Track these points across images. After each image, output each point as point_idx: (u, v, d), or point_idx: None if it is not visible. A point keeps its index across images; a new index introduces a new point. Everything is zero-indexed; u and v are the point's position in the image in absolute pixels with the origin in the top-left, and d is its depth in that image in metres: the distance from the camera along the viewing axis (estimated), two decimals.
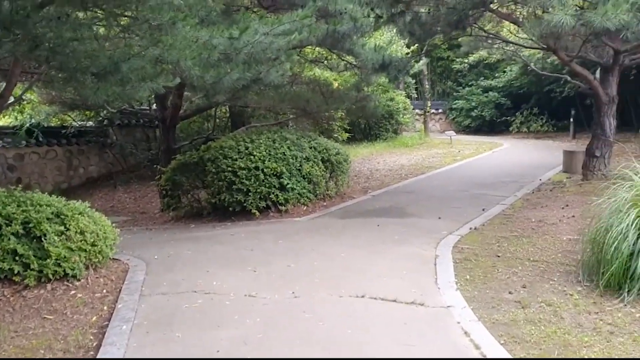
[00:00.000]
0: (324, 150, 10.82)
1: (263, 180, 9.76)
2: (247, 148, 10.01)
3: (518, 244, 7.50)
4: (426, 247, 7.52)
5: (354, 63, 12.97)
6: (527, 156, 16.94)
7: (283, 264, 6.89)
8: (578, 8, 7.13)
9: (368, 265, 6.72)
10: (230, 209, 9.94)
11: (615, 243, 5.49)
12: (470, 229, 8.44)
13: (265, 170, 9.77)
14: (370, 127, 22.52)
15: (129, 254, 7.64)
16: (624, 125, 21.78)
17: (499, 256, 7.01)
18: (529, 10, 8.54)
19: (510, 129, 25.21)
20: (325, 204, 10.70)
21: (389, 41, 15.10)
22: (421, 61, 14.13)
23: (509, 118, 25.55)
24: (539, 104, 24.67)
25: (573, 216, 8.74)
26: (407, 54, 14.91)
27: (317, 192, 10.55)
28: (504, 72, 26.23)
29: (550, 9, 7.16)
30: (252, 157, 9.85)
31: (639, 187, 5.94)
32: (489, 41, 12.28)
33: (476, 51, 16.37)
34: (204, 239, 8.59)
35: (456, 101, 27.63)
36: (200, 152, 10.42)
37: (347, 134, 18.29)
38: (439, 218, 9.21)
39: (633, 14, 6.84)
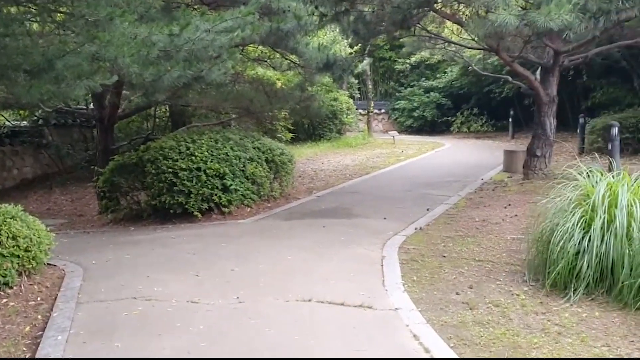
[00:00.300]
0: (268, 151, 10.64)
1: (205, 182, 9.50)
2: (188, 148, 9.73)
3: (463, 243, 7.51)
4: (373, 248, 7.44)
5: (298, 62, 12.84)
6: (468, 156, 17.20)
7: (227, 267, 6.67)
8: (521, 9, 7.19)
9: (315, 268, 6.59)
10: (172, 211, 9.64)
11: (561, 242, 5.53)
12: (416, 229, 8.42)
13: (207, 171, 9.51)
14: (314, 127, 22.45)
15: (65, 259, 7.28)
16: (561, 125, 22.38)
17: (444, 256, 6.99)
18: (472, 11, 8.59)
19: (452, 129, 25.62)
20: (269, 205, 10.52)
21: (332, 41, 15.00)
22: (365, 61, 14.12)
23: (450, 118, 25.97)
24: (478, 104, 25.16)
25: (516, 215, 8.85)
26: (350, 53, 14.87)
27: (261, 193, 10.36)
28: (445, 72, 26.64)
29: (493, 9, 7.19)
30: (193, 157, 9.57)
31: (583, 187, 5.97)
32: (432, 41, 12.35)
33: (419, 52, 16.53)
34: (145, 242, 8.27)
35: (398, 101, 27.88)
36: (140, 153, 10.06)
37: (291, 134, 18.13)
38: (385, 218, 9.16)
39: (575, 15, 6.95)
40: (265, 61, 13.21)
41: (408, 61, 27.45)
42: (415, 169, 14.61)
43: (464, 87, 25.14)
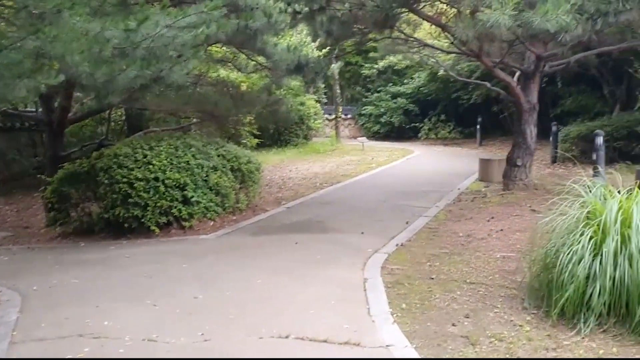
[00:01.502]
0: (234, 159, 9.84)
1: (164, 193, 8.66)
2: (145, 156, 8.87)
3: (450, 262, 6.86)
4: (353, 268, 6.73)
5: (265, 64, 12.07)
6: (440, 163, 16.65)
7: (189, 294, 5.86)
8: (515, 8, 6.60)
9: (291, 294, 5.83)
10: (126, 225, 8.77)
11: (570, 266, 4.89)
12: (397, 245, 7.74)
13: (166, 181, 8.67)
14: (280, 132, 21.63)
15: (2, 283, 6.39)
16: None
17: (433, 278, 6.32)
18: (462, 10, 7.97)
19: (419, 135, 25.12)
20: (235, 218, 9.71)
21: (300, 43, 14.26)
22: (336, 64, 13.41)
23: (417, 124, 25.48)
24: (445, 110, 24.75)
25: (501, 230, 8.26)
26: (319, 56, 14.15)
27: (226, 205, 9.54)
28: (412, 78, 26.16)
29: (484, 9, 6.58)
30: (150, 166, 8.72)
31: (591, 205, 5.35)
32: (407, 45, 11.72)
33: (393, 55, 15.90)
34: (95, 263, 7.39)
35: (365, 107, 27.28)
36: (92, 160, 9.18)
37: (256, 140, 17.29)
38: (362, 233, 8.47)
39: (572, 15, 6.40)
40: (230, 62, 12.40)
41: (376, 66, 26.87)
42: (388, 178, 13.94)
43: (431, 93, 24.68)
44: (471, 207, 9.92)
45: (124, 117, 16.06)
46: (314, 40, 12.26)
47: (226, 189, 9.41)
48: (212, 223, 9.28)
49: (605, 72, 16.69)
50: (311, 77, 10.53)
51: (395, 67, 26.06)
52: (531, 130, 10.31)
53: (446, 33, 9.85)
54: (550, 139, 15.26)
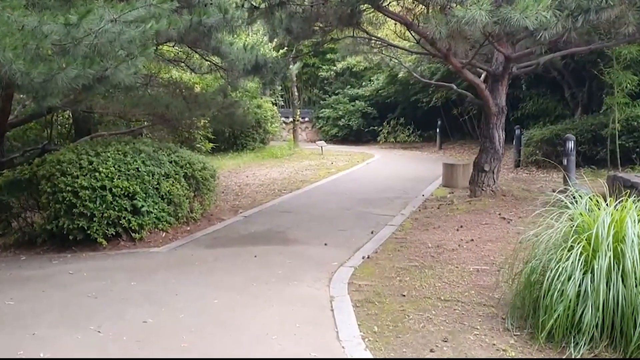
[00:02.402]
0: (187, 165, 9.20)
1: (111, 202, 7.98)
2: (91, 163, 8.18)
3: (422, 277, 6.40)
4: (318, 284, 6.22)
5: (220, 65, 11.45)
6: (401, 168, 16.26)
7: (138, 318, 5.24)
8: (492, 4, 6.19)
9: (250, 317, 5.26)
10: (71, 237, 8.05)
11: (559, 284, 4.48)
12: (363, 257, 7.25)
13: (114, 190, 7.99)
14: (236, 136, 20.88)
15: None
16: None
17: (404, 295, 5.85)
18: (433, 7, 7.54)
19: (378, 139, 24.75)
20: (189, 228, 9.06)
21: (256, 42, 13.67)
22: (295, 65, 12.87)
23: (376, 128, 25.12)
24: (404, 113, 24.46)
25: (472, 240, 7.87)
26: (277, 56, 13.59)
27: (179, 214, 8.90)
28: (371, 80, 25.81)
29: (455, 5, 6.15)
30: (97, 173, 8.03)
31: (580, 218, 4.95)
32: (370, 45, 11.26)
33: (354, 56, 15.44)
34: (35, 280, 6.66)
35: (323, 110, 26.78)
36: (33, 167, 8.43)
37: (211, 144, 16.56)
38: (326, 244, 7.96)
39: (552, 12, 6.03)
40: (182, 62, 11.72)
41: (334, 68, 26.43)
42: (349, 183, 13.45)
43: (390, 95, 24.33)
44: (438, 215, 9.51)
45: (71, 121, 15.14)
46: (271, 40, 11.70)
47: (179, 197, 8.78)
48: (164, 234, 8.63)
49: (567, 74, 16.59)
50: (270, 78, 9.96)
51: (354, 69, 25.66)
52: (499, 135, 9.98)
53: (412, 32, 9.44)
54: (514, 142, 15.03)
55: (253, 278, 6.45)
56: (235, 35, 10.84)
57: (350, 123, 25.23)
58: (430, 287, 6.06)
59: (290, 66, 10.47)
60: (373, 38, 10.32)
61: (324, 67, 27.22)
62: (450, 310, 5.40)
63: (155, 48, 9.66)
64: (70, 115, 14.71)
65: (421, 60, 16.33)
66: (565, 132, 13.79)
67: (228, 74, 11.50)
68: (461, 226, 8.62)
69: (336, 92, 26.84)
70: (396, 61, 13.31)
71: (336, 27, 8.89)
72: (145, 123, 11.94)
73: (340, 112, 25.54)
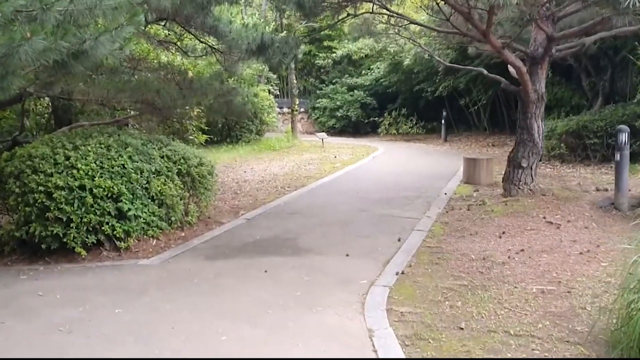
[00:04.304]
0: (182, 160, 7.90)
1: (92, 205, 6.69)
2: (68, 158, 6.87)
3: (476, 301, 5.18)
4: (349, 312, 4.99)
5: (216, 47, 10.12)
6: (411, 162, 15.01)
7: None
8: None
9: None
10: (44, 245, 6.75)
11: None
12: (397, 273, 6.00)
13: (94, 190, 6.69)
14: (231, 127, 19.45)
15: None
16: (494, 127, 20.96)
17: (462, 328, 4.62)
18: None
19: (379, 130, 23.48)
20: (183, 234, 7.76)
21: (255, 24, 12.34)
22: (301, 47, 11.54)
23: (376, 119, 23.84)
24: (406, 104, 23.22)
25: (522, 250, 6.65)
26: (285, 36, 12.15)
27: (173, 218, 7.60)
28: (370, 69, 24.52)
29: None
30: (75, 171, 6.73)
31: None
32: (390, 22, 9.93)
33: (367, 37, 14.12)
34: None
35: (319, 100, 25.43)
36: (1, 163, 7.11)
37: (205, 136, 15.17)
38: (347, 255, 6.70)
39: None
40: (174, 44, 10.37)
41: (334, 54, 25.08)
42: (359, 180, 12.15)
43: (391, 85, 23.06)
44: (471, 218, 8.27)
45: (50, 109, 13.72)
46: (279, 11, 10.35)
47: (172, 198, 7.47)
48: (154, 242, 7.33)
49: (585, 61, 15.41)
50: (278, 60, 8.64)
51: (353, 57, 24.35)
52: (539, 125, 8.73)
53: (440, 7, 8.15)
54: None
55: (265, 302, 5.19)
56: (235, 13, 9.56)
57: (348, 114, 23.95)
58: (491, 316, 4.83)
59: (301, 47, 9.15)
60: (394, 15, 9.02)
61: (320, 54, 25.87)
62: (528, 351, 4.19)
63: (145, 22, 8.38)
64: (50, 104, 13.30)
65: (431, 44, 15.02)
66: (592, 123, 12.66)
67: (225, 57, 10.17)
68: (503, 232, 7.40)
69: (334, 81, 25.51)
70: (414, 43, 11.97)
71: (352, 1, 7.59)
72: (132, 112, 10.59)
73: (338, 103, 24.23)
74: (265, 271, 6.13)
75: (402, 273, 6.02)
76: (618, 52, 14.55)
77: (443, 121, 20.73)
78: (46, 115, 14.20)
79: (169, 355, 4.15)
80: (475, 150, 17.42)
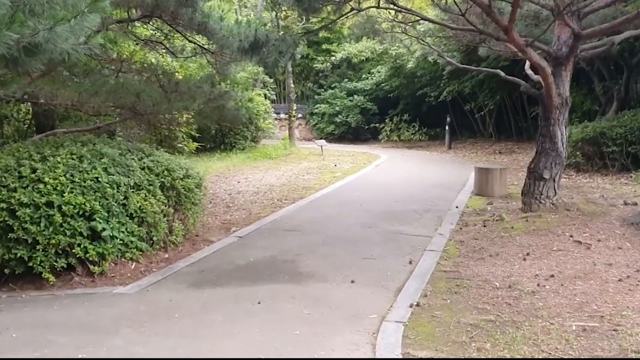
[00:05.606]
0: (165, 172, 7.04)
1: (61, 225, 5.84)
2: (34, 170, 6.03)
3: (507, 342, 4.34)
4: (357, 357, 4.12)
5: (207, 47, 9.29)
6: (416, 172, 14.14)
7: None
8: None
9: None
10: (7, 270, 5.92)
11: None
12: (412, 305, 5.15)
13: (64, 207, 5.85)
14: (224, 134, 18.53)
15: None
16: (500, 133, 20.17)
17: None
18: None
19: (380, 137, 22.64)
20: (167, 256, 6.90)
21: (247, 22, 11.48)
22: (299, 48, 10.57)
23: (377, 125, 23.00)
24: (407, 109, 22.39)
25: (552, 276, 5.80)
26: (282, 33, 11.22)
27: (155, 238, 6.73)
28: (370, 73, 23.69)
29: None
30: (42, 185, 5.89)
31: None
32: (395, 20, 9.09)
33: (371, 36, 13.30)
34: None
35: (318, 105, 24.58)
36: None
37: (196, 144, 14.27)
38: (353, 282, 5.85)
39: None
40: (160, 44, 9.53)
41: (334, 57, 24.23)
42: (362, 192, 11.26)
43: (393, 89, 22.22)
44: (489, 237, 7.41)
45: (30, 115, 12.90)
46: (275, 7, 9.52)
47: (154, 215, 6.61)
48: (133, 265, 6.47)
49: (601, 64, 14.59)
50: (274, 59, 7.79)
51: (353, 61, 23.54)
52: (562, 133, 7.89)
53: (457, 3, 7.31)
54: None
55: (258, 345, 4.34)
56: (226, 10, 8.76)
57: (348, 120, 23.12)
58: None
59: (299, 47, 8.29)
60: (402, 10, 8.19)
61: (319, 58, 25.05)
62: None
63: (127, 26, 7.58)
64: (30, 109, 12.49)
65: (438, 45, 14.16)
66: (610, 130, 11.87)
67: (216, 58, 9.34)
68: (527, 254, 6.54)
69: (332, 86, 24.68)
70: (422, 42, 11.11)
71: None
72: (118, 118, 9.74)
73: (337, 108, 23.40)
74: (259, 302, 5.27)
75: (418, 305, 5.17)
76: (635, 54, 13.74)
77: (447, 127, 19.94)
78: (27, 121, 13.40)
79: None
80: (482, 158, 16.59)
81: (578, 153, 12.18)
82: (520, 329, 4.57)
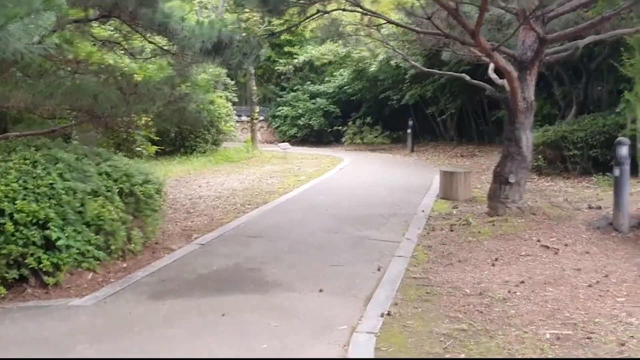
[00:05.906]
0: (124, 178, 6.77)
1: (13, 234, 5.52)
2: None
3: (482, 352, 4.26)
4: None
5: (167, 48, 8.99)
6: (381, 174, 14.09)
7: None
8: None
9: None
10: None
11: None
12: (382, 315, 5.01)
13: (16, 215, 5.53)
14: (185, 137, 18.11)
15: None
16: (462, 137, 20.30)
17: None
18: None
19: (343, 140, 22.54)
20: (125, 265, 6.61)
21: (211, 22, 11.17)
22: (262, 50, 10.29)
23: (340, 128, 22.91)
24: (370, 112, 22.37)
25: (522, 282, 5.75)
26: (247, 35, 10.92)
27: (113, 247, 6.44)
28: (333, 76, 23.61)
29: None
30: None
31: None
32: (359, 24, 8.98)
33: (335, 39, 13.16)
34: None
35: (280, 108, 24.38)
36: None
37: (155, 147, 13.87)
38: (321, 291, 5.68)
39: None
40: (119, 44, 9.19)
41: (296, 60, 24.05)
42: (327, 195, 11.10)
43: (355, 92, 22.19)
44: (457, 241, 7.34)
45: None
46: (238, 7, 9.29)
47: (112, 223, 6.32)
48: (90, 275, 6.17)
49: (561, 69, 14.76)
50: (238, 61, 7.58)
51: (315, 64, 23.41)
52: (527, 137, 7.90)
53: (424, 2, 7.24)
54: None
55: None
56: (188, 11, 8.49)
57: (311, 122, 23.00)
58: None
59: (263, 49, 8.09)
60: (367, 13, 8.08)
61: (281, 60, 24.84)
62: None
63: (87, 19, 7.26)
64: None
65: (401, 49, 14.13)
66: (571, 134, 11.97)
67: (177, 59, 9.05)
68: (496, 259, 6.49)
69: (295, 88, 24.51)
70: (387, 46, 11.04)
71: None
72: (74, 122, 9.36)
73: (299, 111, 23.25)
74: (224, 315, 5.06)
75: (389, 314, 5.04)
76: (593, 59, 13.95)
77: (409, 130, 19.98)
78: None
79: None
80: (444, 162, 16.64)
81: (540, 156, 12.28)
82: (494, 338, 4.47)
